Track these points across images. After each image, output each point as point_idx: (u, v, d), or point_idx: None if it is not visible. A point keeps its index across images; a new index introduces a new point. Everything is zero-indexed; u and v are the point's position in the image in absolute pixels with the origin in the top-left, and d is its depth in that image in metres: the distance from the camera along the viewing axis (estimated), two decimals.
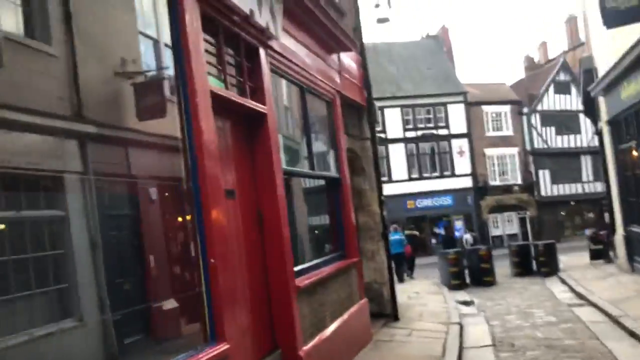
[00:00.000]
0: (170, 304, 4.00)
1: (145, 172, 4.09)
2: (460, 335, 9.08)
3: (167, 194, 4.20)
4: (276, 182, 5.38)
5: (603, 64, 13.52)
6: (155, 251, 4.04)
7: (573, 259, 20.26)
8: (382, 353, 7.54)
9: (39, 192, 3.28)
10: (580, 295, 12.15)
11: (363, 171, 10.05)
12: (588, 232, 21.93)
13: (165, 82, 4.04)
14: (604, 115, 14.58)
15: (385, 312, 9.86)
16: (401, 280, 18.49)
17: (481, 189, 34.67)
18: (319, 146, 7.68)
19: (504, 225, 35.42)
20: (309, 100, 7.17)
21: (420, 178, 34.19)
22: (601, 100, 14.64)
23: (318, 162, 7.42)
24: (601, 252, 17.82)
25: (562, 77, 36.75)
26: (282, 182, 5.56)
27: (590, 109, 18.79)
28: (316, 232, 7.50)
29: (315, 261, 6.64)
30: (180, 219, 4.40)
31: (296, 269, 5.80)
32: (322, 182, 7.94)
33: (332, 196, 7.98)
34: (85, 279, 3.34)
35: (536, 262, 17.44)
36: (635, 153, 12.59)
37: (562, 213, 36.29)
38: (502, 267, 18.08)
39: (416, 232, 26.01)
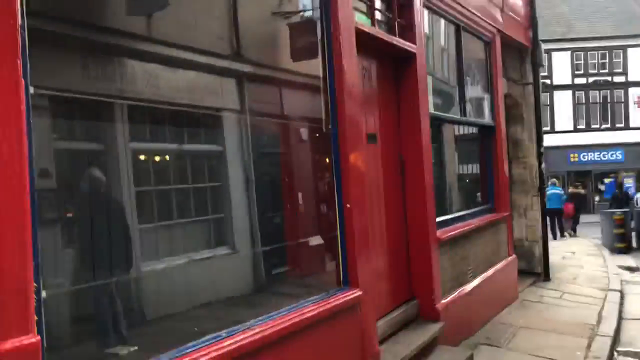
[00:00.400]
0: (316, 240, 4.08)
1: (295, 113, 4.17)
2: (621, 304, 8.24)
3: (316, 134, 4.17)
4: (421, 127, 5.08)
5: None
6: (302, 190, 4.15)
7: None
8: (527, 314, 7.07)
9: (200, 128, 3.46)
10: None
11: (521, 119, 9.28)
12: None
13: (318, 22, 3.90)
14: None
15: (535, 271, 9.24)
16: (556, 237, 17.36)
17: None
18: (473, 91, 7.15)
19: None
20: (464, 40, 6.63)
21: (588, 129, 31.19)
22: None
23: (471, 108, 6.93)
24: None
25: None
26: (427, 128, 5.25)
27: None
28: (465, 182, 7.10)
29: (460, 213, 6.30)
30: (326, 161, 4.36)
31: (439, 219, 5.53)
32: (474, 129, 7.44)
33: (484, 145, 7.46)
34: (239, 211, 3.55)
35: None
36: None
37: None
38: None
39: (582, 190, 23.89)
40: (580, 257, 12.99)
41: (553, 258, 12.37)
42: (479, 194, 7.54)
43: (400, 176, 5.15)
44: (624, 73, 31.03)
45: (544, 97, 31.05)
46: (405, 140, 5.16)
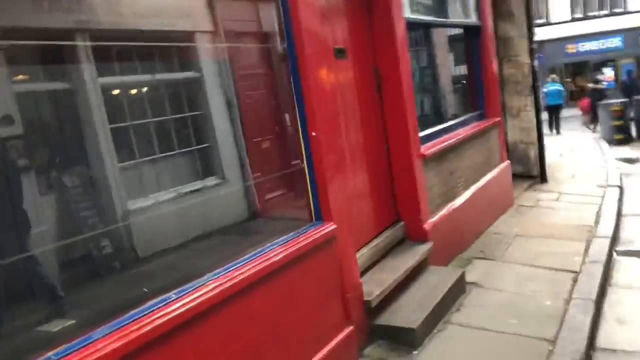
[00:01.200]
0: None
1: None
2: (620, 200, 8.04)
3: None
4: (396, 35, 4.61)
5: None
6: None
7: None
8: (523, 220, 6.88)
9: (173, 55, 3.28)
10: None
11: (510, 15, 8.66)
12: None
13: None
14: None
15: (532, 174, 8.99)
16: (558, 132, 17.18)
17: None
18: None
19: None
20: None
21: (585, 18, 29.97)
22: None
23: (452, 7, 6.38)
24: None
25: None
26: (403, 35, 4.77)
27: None
28: (450, 90, 6.66)
29: (447, 124, 5.93)
30: None
31: (422, 134, 5.18)
32: (458, 30, 6.91)
33: (471, 47, 6.97)
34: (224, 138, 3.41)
35: None
36: None
37: None
38: None
39: (601, 85, 23.14)
40: (579, 152, 12.73)
41: (551, 156, 12.12)
42: (467, 101, 7.13)
43: (378, 92, 4.74)
44: None
45: None
46: (380, 52, 4.71)
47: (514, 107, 8.96)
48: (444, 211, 5.30)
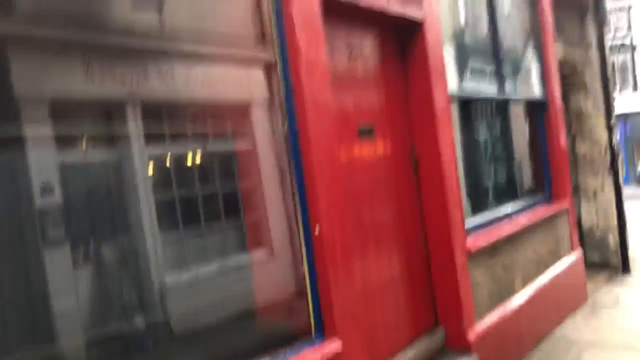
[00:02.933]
0: None
1: None
2: None
3: None
4: (435, 113, 4.06)
5: None
6: None
7: None
8: (597, 323, 5.87)
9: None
10: None
11: (584, 87, 7.90)
12: None
13: None
14: None
15: (611, 263, 7.91)
16: None
17: None
18: (513, 58, 5.96)
19: None
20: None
21: None
22: None
23: (511, 80, 5.77)
24: None
25: None
26: (446, 113, 4.22)
27: None
28: (510, 169, 5.95)
29: (502, 210, 5.21)
30: None
31: (470, 223, 4.51)
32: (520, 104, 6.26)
33: (535, 122, 6.27)
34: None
35: None
36: None
37: None
38: None
39: None
40: None
41: (633, 243, 10.83)
42: (528, 182, 6.36)
43: (415, 174, 4.16)
44: None
45: (625, 58, 28.40)
46: (417, 130, 4.16)
47: (589, 188, 8.03)
48: (494, 314, 4.51)
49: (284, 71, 2.88)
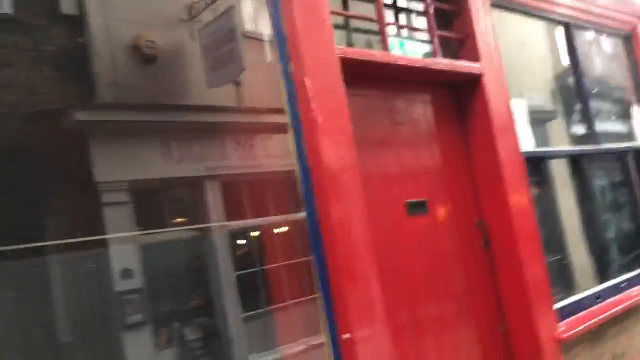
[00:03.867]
0: None
1: None
2: None
3: None
4: (504, 176, 3.46)
5: None
6: None
7: None
8: None
9: None
10: None
11: None
12: None
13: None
14: None
15: None
16: None
17: None
18: (607, 105, 5.19)
19: None
20: (580, 39, 4.84)
21: None
22: None
23: (606, 130, 5.00)
24: None
25: None
26: (520, 175, 3.60)
27: None
28: (610, 233, 5.03)
29: (605, 284, 4.34)
30: None
31: (562, 304, 3.76)
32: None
33: None
34: None
35: None
36: None
37: None
38: None
39: None
40: None
41: None
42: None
43: (485, 250, 3.54)
44: None
45: None
46: (484, 199, 3.57)
47: None
48: None
49: (297, 143, 2.51)
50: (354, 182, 2.60)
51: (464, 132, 3.63)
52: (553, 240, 4.48)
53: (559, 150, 4.18)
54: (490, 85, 3.58)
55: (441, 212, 3.37)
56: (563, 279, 4.35)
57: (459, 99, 3.64)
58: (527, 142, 3.89)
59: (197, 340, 2.75)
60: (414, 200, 3.18)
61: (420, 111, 3.42)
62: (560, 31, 4.84)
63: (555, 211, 4.63)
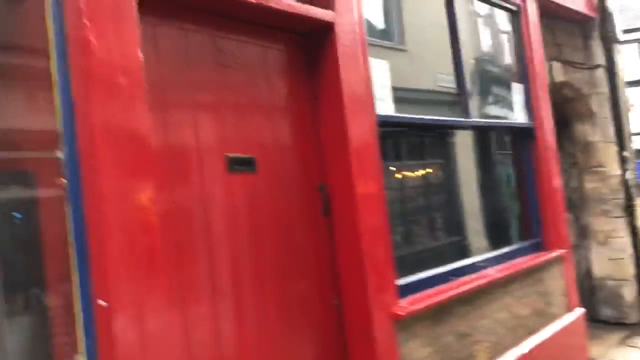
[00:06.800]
0: None
1: None
2: None
3: None
4: (350, 139, 3.16)
5: None
6: None
7: None
8: None
9: None
10: None
11: (590, 115, 6.86)
12: None
13: None
14: None
15: (626, 320, 6.69)
16: None
17: None
18: (488, 79, 5.06)
19: None
20: (463, 9, 4.62)
21: None
22: None
23: (482, 101, 4.86)
24: None
25: None
26: (372, 140, 3.31)
27: None
28: (476, 211, 4.94)
29: (462, 262, 4.18)
30: None
31: (408, 280, 3.55)
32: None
33: (518, 152, 5.28)
34: None
35: None
36: None
37: None
38: None
39: None
40: None
41: None
42: (510, 226, 5.33)
43: (325, 218, 3.25)
44: None
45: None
46: (329, 162, 3.26)
47: (600, 231, 6.88)
48: None
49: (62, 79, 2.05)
50: (132, 131, 2.17)
51: (312, 85, 3.29)
52: (412, 214, 4.30)
53: (420, 118, 3.92)
54: (343, 37, 3.25)
55: (275, 172, 3.02)
56: (418, 254, 4.17)
57: (310, 49, 3.29)
58: (385, 105, 3.60)
59: None
60: (239, 155, 2.82)
61: (258, 57, 3.04)
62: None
63: (421, 185, 4.43)
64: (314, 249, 3.16)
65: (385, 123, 3.53)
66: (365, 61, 3.40)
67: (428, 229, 4.59)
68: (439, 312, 3.62)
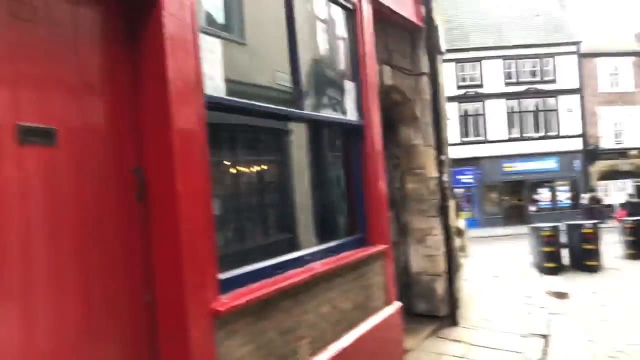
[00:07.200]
0: None
1: None
2: (543, 355, 6.31)
3: None
4: (172, 118, 2.88)
5: None
6: None
7: None
8: None
9: None
10: None
11: (414, 119, 7.28)
12: None
13: None
14: None
15: (438, 313, 7.21)
16: None
17: (591, 152, 30.14)
18: (321, 75, 5.07)
19: (615, 194, 30.70)
20: (299, 3, 4.56)
21: (521, 139, 30.28)
22: None
23: (316, 97, 4.85)
24: None
25: None
26: (197, 123, 3.06)
27: None
28: (313, 205, 4.94)
29: (290, 255, 4.11)
30: None
31: (232, 274, 3.36)
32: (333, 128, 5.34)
33: (348, 151, 5.37)
34: None
35: None
36: None
37: None
38: (612, 243, 14.63)
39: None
40: (505, 282, 11.15)
41: (473, 286, 10.50)
42: (337, 222, 5.41)
43: (139, 205, 2.93)
44: (554, 81, 30.38)
45: (476, 106, 29.98)
46: (148, 144, 2.95)
47: (418, 229, 7.34)
48: None
49: None
50: None
51: (132, 59, 2.94)
52: (244, 209, 4.12)
53: (250, 104, 3.74)
54: (171, 8, 2.95)
55: (81, 149, 2.64)
56: (246, 249, 4.00)
57: (133, 18, 2.94)
58: (216, 86, 3.37)
59: None
60: (34, 125, 2.39)
61: (69, 14, 2.63)
62: None
63: (255, 181, 4.27)
64: (125, 238, 2.83)
65: (215, 105, 3.30)
66: (196, 38, 3.14)
67: (259, 224, 4.44)
68: (263, 307, 3.48)
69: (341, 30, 5.37)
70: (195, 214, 2.98)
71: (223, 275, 3.23)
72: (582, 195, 29.36)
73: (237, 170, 4.32)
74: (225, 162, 4.15)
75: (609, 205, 29.89)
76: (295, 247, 4.30)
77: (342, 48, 5.41)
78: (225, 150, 4.12)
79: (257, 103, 3.77)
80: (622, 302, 9.20)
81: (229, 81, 3.52)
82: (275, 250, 4.06)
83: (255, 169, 4.48)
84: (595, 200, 28.26)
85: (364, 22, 5.42)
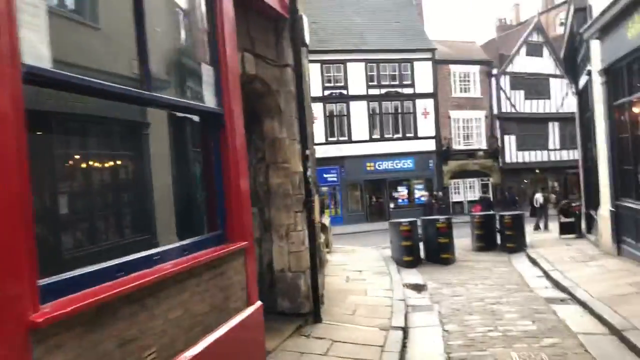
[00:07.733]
0: None
1: None
2: (403, 347, 6.39)
3: None
4: None
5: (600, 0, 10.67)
6: None
7: (540, 232, 18.59)
8: None
9: None
10: (558, 285, 9.62)
11: (278, 112, 7.03)
12: (540, 197, 20.12)
13: None
14: (597, 64, 11.80)
15: (302, 310, 7.03)
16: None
17: (444, 153, 32.30)
18: (176, 56, 4.62)
19: (465, 192, 33.28)
20: None
21: (382, 139, 31.56)
22: (595, 45, 11.84)
23: (169, 81, 4.39)
24: (573, 226, 15.81)
25: (535, 37, 34.54)
26: (10, 99, 2.50)
27: (571, 64, 16.34)
28: (164, 202, 4.47)
29: (134, 255, 3.62)
30: None
31: (58, 278, 2.83)
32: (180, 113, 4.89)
33: (207, 141, 4.96)
34: None
35: (501, 235, 15.03)
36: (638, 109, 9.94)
37: (526, 181, 34.29)
38: (463, 237, 15.65)
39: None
40: (366, 276, 11.34)
41: (336, 280, 10.54)
42: (195, 218, 4.99)
43: None
44: (412, 85, 32.00)
45: (342, 107, 30.70)
46: None
47: (282, 225, 7.11)
48: None
49: None
50: None
51: None
52: (89, 206, 3.58)
53: (82, 78, 3.18)
54: None
55: None
56: (85, 250, 3.46)
57: None
58: (40, 52, 2.81)
59: None
60: None
61: None
62: None
63: (105, 176, 3.74)
64: None
65: (37, 79, 2.75)
66: None
67: (105, 223, 3.91)
68: (98, 315, 2.99)
69: (199, 12, 4.95)
70: (5, 214, 2.43)
71: (46, 281, 2.70)
72: (423, 193, 31.58)
73: (87, 165, 3.77)
74: (71, 156, 3.61)
75: (459, 202, 32.31)
76: (145, 246, 3.81)
77: (200, 31, 4.99)
78: (72, 142, 3.59)
79: (90, 79, 3.22)
80: (471, 292, 9.73)
81: (85, 70, 2.98)
82: (122, 251, 3.56)
83: (108, 164, 3.96)
84: (434, 198, 30.47)
85: (223, 6, 5.04)
